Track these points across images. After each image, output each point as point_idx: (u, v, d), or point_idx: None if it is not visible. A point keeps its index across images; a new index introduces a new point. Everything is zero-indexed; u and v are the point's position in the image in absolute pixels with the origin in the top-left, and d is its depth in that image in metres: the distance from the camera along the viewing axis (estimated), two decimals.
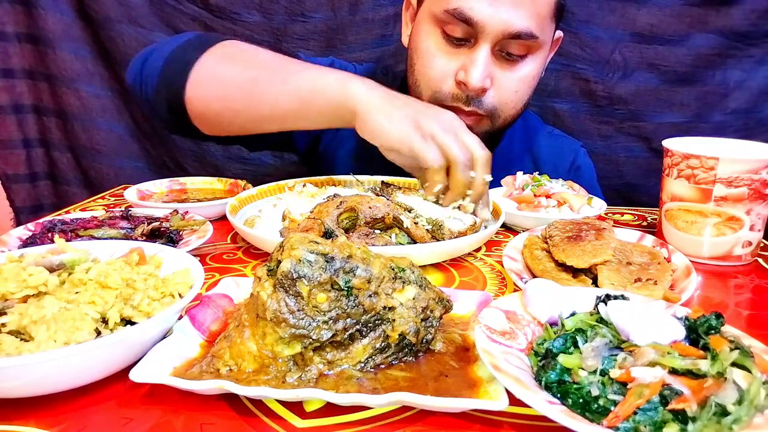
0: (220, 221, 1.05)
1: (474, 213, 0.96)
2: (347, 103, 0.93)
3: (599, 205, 1.12)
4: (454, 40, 1.08)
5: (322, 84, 0.95)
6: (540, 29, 1.06)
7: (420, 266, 0.64)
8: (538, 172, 1.17)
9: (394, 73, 1.35)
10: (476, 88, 1.06)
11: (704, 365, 0.48)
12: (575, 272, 0.79)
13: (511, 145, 1.37)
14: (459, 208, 0.95)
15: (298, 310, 0.53)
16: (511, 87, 1.12)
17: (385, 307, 0.56)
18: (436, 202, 0.96)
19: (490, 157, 0.93)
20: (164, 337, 0.58)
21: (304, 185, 1.14)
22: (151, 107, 1.11)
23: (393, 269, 0.58)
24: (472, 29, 1.04)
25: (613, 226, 0.92)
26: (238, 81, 1.01)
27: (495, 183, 1.22)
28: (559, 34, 1.23)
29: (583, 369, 0.50)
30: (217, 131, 1.12)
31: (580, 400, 0.48)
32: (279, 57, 1.06)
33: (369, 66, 1.41)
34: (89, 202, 1.28)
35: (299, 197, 1.05)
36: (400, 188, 1.11)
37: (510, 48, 1.07)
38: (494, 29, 1.03)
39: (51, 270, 0.62)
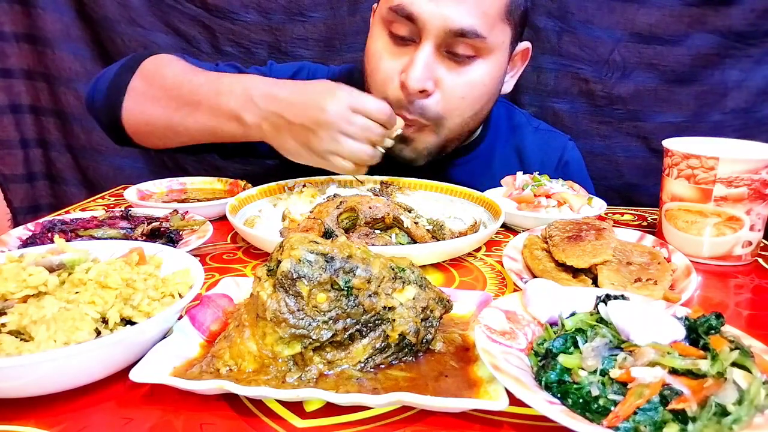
0: (220, 221, 1.05)
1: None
2: (252, 136, 0.99)
3: (599, 205, 1.12)
4: (399, 40, 1.05)
5: (218, 122, 1.01)
6: (487, 29, 1.02)
7: (420, 266, 0.64)
8: (535, 173, 1.16)
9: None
10: (414, 89, 1.02)
11: (704, 365, 0.48)
12: (575, 272, 0.79)
13: (495, 142, 1.34)
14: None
15: (298, 310, 0.53)
16: (456, 91, 1.06)
17: (385, 307, 0.56)
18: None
19: (389, 110, 0.95)
20: (164, 337, 0.58)
21: (304, 185, 1.14)
22: (101, 126, 1.21)
23: (393, 269, 0.58)
24: (415, 27, 1.01)
25: (613, 226, 0.92)
26: (155, 112, 1.09)
27: (481, 180, 1.21)
28: (526, 45, 1.19)
29: (583, 369, 0.50)
30: (157, 147, 1.19)
31: (580, 400, 0.48)
32: (188, 78, 1.07)
33: (345, 67, 1.39)
34: (89, 202, 1.28)
35: (299, 197, 1.05)
36: (399, 188, 1.12)
37: (456, 48, 1.02)
38: (435, 26, 0.99)
39: (51, 270, 0.61)
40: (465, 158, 1.31)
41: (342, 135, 0.91)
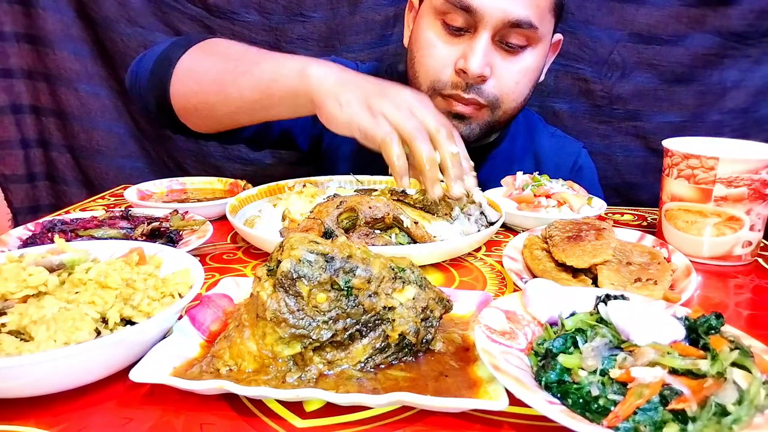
0: (220, 221, 1.05)
1: (468, 199, 0.94)
2: (304, 91, 0.92)
3: (599, 205, 1.12)
4: (455, 30, 1.09)
5: (280, 73, 0.96)
6: (539, 20, 1.07)
7: (420, 266, 0.64)
8: (538, 172, 1.17)
9: (398, 72, 1.35)
10: (475, 74, 1.07)
11: (704, 365, 0.48)
12: (575, 272, 0.79)
13: (513, 144, 1.37)
14: (444, 199, 0.90)
15: (298, 310, 0.53)
16: (511, 78, 1.13)
17: (385, 307, 0.56)
18: (425, 204, 0.95)
19: (450, 129, 0.88)
20: (164, 337, 0.58)
21: (304, 185, 1.14)
22: (144, 106, 1.17)
23: (393, 269, 0.58)
24: (472, 18, 1.05)
25: (613, 226, 0.92)
26: (210, 75, 1.05)
27: (499, 179, 1.22)
28: (559, 37, 1.23)
29: (583, 369, 0.50)
30: (200, 126, 1.15)
31: (580, 400, 0.48)
32: (251, 49, 1.08)
33: (372, 65, 1.42)
34: (89, 202, 1.28)
35: (299, 197, 1.05)
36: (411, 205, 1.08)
37: (510, 38, 1.08)
38: (493, 17, 1.04)
39: (51, 270, 0.62)
40: (486, 157, 1.34)
41: (407, 109, 0.86)
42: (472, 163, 0.94)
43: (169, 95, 1.09)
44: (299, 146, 1.41)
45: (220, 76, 1.03)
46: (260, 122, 1.11)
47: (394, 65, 1.39)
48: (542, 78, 1.25)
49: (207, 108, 1.08)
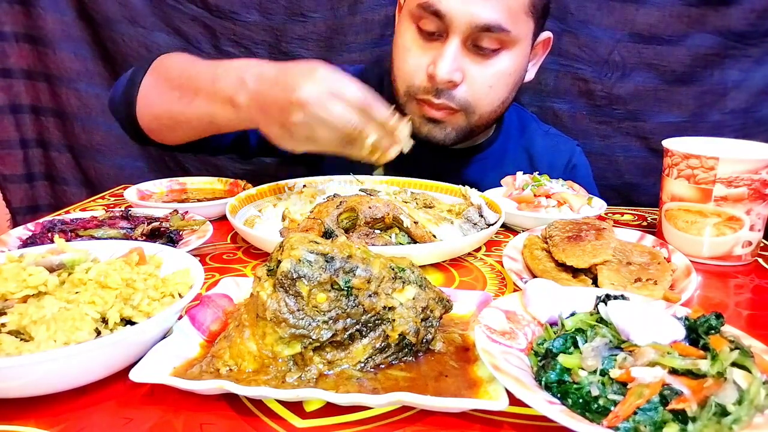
0: (220, 221, 1.05)
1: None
2: (245, 124, 0.96)
3: (599, 205, 1.12)
4: (428, 35, 1.09)
5: (215, 108, 0.97)
6: (512, 23, 1.06)
7: (420, 266, 0.64)
8: (538, 172, 1.17)
9: (382, 70, 1.35)
10: (443, 80, 1.07)
11: (704, 365, 0.48)
12: (575, 272, 0.79)
13: (506, 143, 1.37)
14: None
15: (298, 310, 0.53)
16: (484, 81, 1.11)
17: (385, 307, 0.56)
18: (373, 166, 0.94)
19: (370, 96, 0.85)
20: (164, 337, 0.58)
21: (304, 185, 1.14)
22: (121, 126, 1.22)
23: (393, 269, 0.58)
24: (443, 23, 1.05)
25: (613, 226, 0.92)
26: (160, 104, 1.09)
27: (492, 180, 1.23)
28: (547, 35, 1.22)
29: (583, 369, 0.50)
30: (171, 142, 1.18)
31: (580, 400, 0.48)
32: (189, 70, 1.06)
33: (357, 68, 1.42)
34: (89, 202, 1.28)
35: (299, 197, 1.05)
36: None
37: (481, 42, 1.07)
38: (462, 22, 1.03)
39: (51, 270, 0.61)
40: (478, 156, 1.34)
41: (317, 120, 0.83)
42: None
43: (136, 117, 1.15)
44: (280, 151, 1.39)
45: (169, 107, 1.07)
46: (236, 135, 1.16)
47: (377, 64, 1.39)
48: (530, 77, 1.25)
49: (167, 130, 1.13)
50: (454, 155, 1.24)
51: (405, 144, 0.89)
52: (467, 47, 1.08)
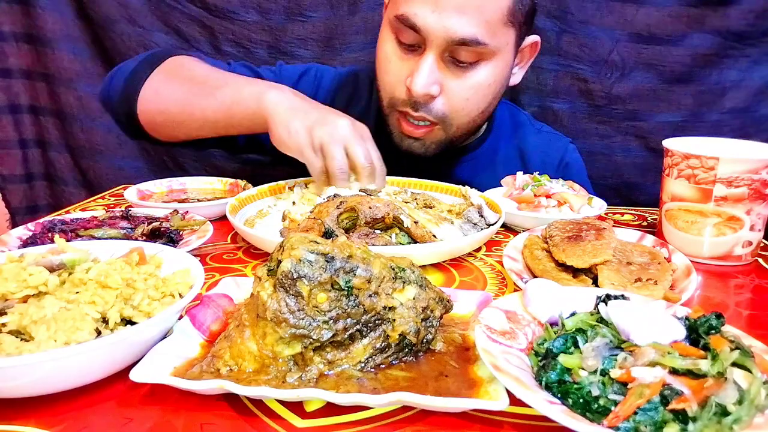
0: (220, 221, 1.05)
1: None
2: (260, 114, 1.02)
3: (599, 205, 1.12)
4: (406, 47, 1.09)
5: (239, 97, 1.05)
6: (489, 36, 1.04)
7: (420, 266, 0.64)
8: (535, 173, 1.17)
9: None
10: (419, 94, 1.07)
11: (704, 365, 0.48)
12: (575, 272, 0.79)
13: (497, 142, 1.36)
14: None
15: (299, 310, 0.53)
16: (461, 94, 1.11)
17: (385, 307, 0.56)
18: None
19: (373, 169, 0.99)
20: (164, 337, 0.58)
21: (306, 185, 1.14)
22: (116, 120, 1.24)
23: (393, 269, 0.58)
24: (420, 35, 1.05)
25: (613, 226, 0.92)
26: (175, 97, 1.13)
27: (484, 180, 1.22)
28: (535, 38, 1.20)
29: (583, 369, 0.50)
30: (167, 138, 1.22)
31: (581, 400, 0.48)
32: (214, 72, 1.16)
33: (351, 69, 1.42)
34: (89, 202, 1.28)
35: (299, 197, 1.05)
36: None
37: (459, 55, 1.06)
38: (438, 36, 1.03)
39: (51, 270, 0.61)
40: (468, 156, 1.33)
41: (343, 143, 0.97)
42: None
43: (136, 111, 1.17)
44: (268, 150, 1.39)
45: (184, 99, 1.11)
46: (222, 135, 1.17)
47: (372, 69, 1.40)
48: (516, 81, 1.24)
49: (172, 124, 1.16)
50: (443, 156, 1.25)
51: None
52: (444, 60, 1.07)
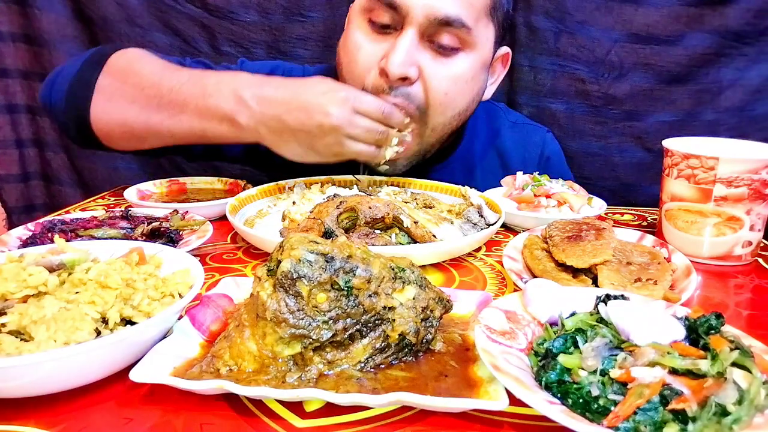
0: (220, 221, 1.05)
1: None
2: (245, 138, 0.96)
3: (599, 205, 1.12)
4: (380, 28, 1.02)
5: (209, 123, 0.96)
6: (473, 20, 1.00)
7: (420, 266, 0.64)
8: (505, 171, 1.15)
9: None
10: (395, 74, 0.98)
11: (704, 365, 0.48)
12: (575, 272, 0.79)
13: (473, 143, 1.31)
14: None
15: (298, 310, 0.53)
16: (441, 83, 1.03)
17: (385, 307, 0.56)
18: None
19: (391, 109, 0.94)
20: (164, 337, 0.58)
21: (309, 186, 1.14)
22: (63, 129, 1.13)
23: (393, 269, 0.58)
24: (397, 14, 0.99)
25: (613, 226, 0.92)
26: (133, 113, 1.02)
27: (459, 183, 1.19)
28: (506, 50, 1.18)
29: (583, 369, 0.50)
30: (127, 149, 1.13)
31: (580, 400, 0.48)
32: (166, 79, 1.02)
33: (319, 67, 1.35)
34: (89, 202, 1.28)
35: (300, 198, 1.05)
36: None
37: (440, 38, 1.00)
38: (420, 14, 0.97)
39: (51, 270, 0.61)
40: (443, 164, 1.28)
41: (347, 138, 0.91)
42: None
43: (88, 119, 1.05)
44: (228, 155, 1.33)
45: (145, 117, 1.01)
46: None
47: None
48: (489, 95, 1.19)
49: (135, 138, 1.06)
50: (414, 168, 1.16)
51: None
52: (423, 41, 1.01)
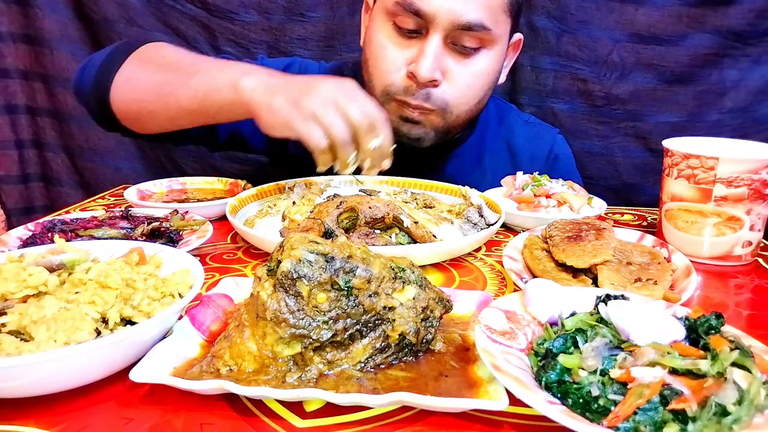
0: (220, 221, 1.05)
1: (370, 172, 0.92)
2: (240, 103, 0.93)
3: (599, 205, 1.12)
4: (406, 33, 1.07)
5: (214, 86, 0.96)
6: (493, 21, 1.05)
7: (420, 266, 0.64)
8: (513, 165, 1.15)
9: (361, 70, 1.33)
10: (425, 79, 1.04)
11: (704, 365, 0.48)
12: (575, 272, 0.79)
13: (484, 136, 1.35)
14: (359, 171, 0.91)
15: (298, 310, 0.53)
16: (464, 81, 1.10)
17: (385, 307, 0.56)
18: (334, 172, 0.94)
19: (373, 121, 0.87)
20: (164, 337, 0.58)
21: (309, 186, 1.14)
22: (88, 111, 1.17)
23: (393, 269, 0.58)
24: (423, 21, 1.03)
25: (613, 226, 0.92)
26: (148, 85, 1.05)
27: (471, 175, 1.21)
28: (519, 36, 1.21)
29: (583, 369, 0.50)
30: (143, 130, 1.15)
31: (580, 400, 0.48)
32: (187, 57, 1.07)
33: (335, 64, 1.39)
34: (89, 202, 1.28)
35: (300, 198, 1.05)
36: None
37: (462, 40, 1.05)
38: (444, 20, 1.02)
39: (51, 270, 0.61)
40: (454, 152, 1.32)
41: (334, 105, 0.86)
42: (391, 149, 0.93)
43: (109, 101, 1.10)
44: (252, 147, 1.36)
45: (158, 87, 1.03)
46: (203, 126, 1.09)
47: (357, 63, 1.38)
48: (503, 80, 1.23)
49: (147, 115, 1.09)
50: (429, 152, 1.22)
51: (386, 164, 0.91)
52: (447, 45, 1.06)
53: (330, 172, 0.96)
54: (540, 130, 1.42)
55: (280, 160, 1.40)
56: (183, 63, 1.05)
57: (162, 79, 1.04)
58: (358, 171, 0.92)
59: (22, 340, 0.52)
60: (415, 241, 0.89)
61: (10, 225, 1.81)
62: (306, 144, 0.87)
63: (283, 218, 0.96)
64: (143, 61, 1.10)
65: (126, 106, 1.10)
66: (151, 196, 1.19)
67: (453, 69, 1.08)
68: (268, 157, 1.44)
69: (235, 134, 1.30)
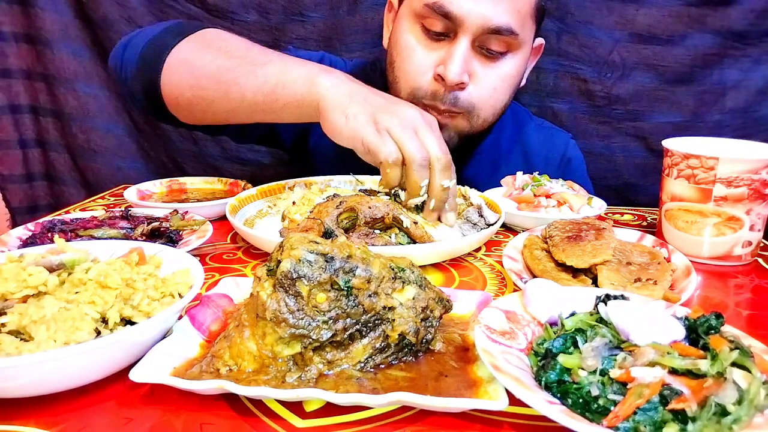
0: (220, 221, 1.05)
1: (439, 218, 0.93)
2: (311, 100, 0.91)
3: (599, 205, 1.12)
4: (434, 35, 1.07)
5: (287, 78, 0.93)
6: (520, 26, 1.05)
7: (420, 266, 0.64)
8: (527, 168, 1.16)
9: (383, 68, 1.34)
10: (454, 81, 1.05)
11: (704, 365, 0.48)
12: (575, 272, 0.79)
13: (499, 138, 1.36)
14: (421, 209, 0.92)
15: (298, 310, 0.53)
16: (490, 84, 1.10)
17: (384, 307, 0.56)
18: (396, 200, 0.94)
19: (449, 161, 0.88)
20: (164, 337, 0.58)
21: (309, 186, 1.14)
22: (129, 91, 1.10)
23: (393, 269, 0.58)
24: (452, 23, 1.03)
25: (613, 226, 0.92)
26: (209, 69, 0.99)
27: (487, 176, 1.22)
28: (540, 41, 1.22)
29: (583, 369, 0.50)
30: (192, 119, 1.10)
31: (580, 400, 0.48)
32: (255, 47, 1.03)
33: (359, 62, 1.41)
34: (89, 202, 1.28)
35: (300, 198, 1.05)
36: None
37: (490, 44, 1.06)
38: (473, 23, 1.02)
39: (51, 270, 0.61)
40: (471, 155, 1.33)
41: (413, 129, 0.87)
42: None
43: (159, 84, 1.03)
44: (283, 142, 1.37)
45: (221, 73, 0.98)
46: (257, 122, 1.06)
47: (379, 62, 1.36)
48: (523, 82, 1.24)
49: (203, 103, 1.02)
50: (456, 152, 1.21)
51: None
52: (475, 49, 1.07)
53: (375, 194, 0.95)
54: (553, 134, 1.44)
55: (299, 155, 1.39)
56: (252, 51, 1.01)
57: (225, 65, 0.98)
58: (419, 208, 0.92)
59: (21, 340, 0.53)
60: (414, 241, 0.89)
61: (15, 224, 1.82)
62: (374, 156, 0.85)
63: (283, 218, 0.96)
64: (204, 44, 1.04)
65: (179, 92, 1.03)
66: (150, 196, 1.19)
67: (479, 72, 1.09)
68: (289, 154, 1.43)
69: (273, 128, 1.30)
